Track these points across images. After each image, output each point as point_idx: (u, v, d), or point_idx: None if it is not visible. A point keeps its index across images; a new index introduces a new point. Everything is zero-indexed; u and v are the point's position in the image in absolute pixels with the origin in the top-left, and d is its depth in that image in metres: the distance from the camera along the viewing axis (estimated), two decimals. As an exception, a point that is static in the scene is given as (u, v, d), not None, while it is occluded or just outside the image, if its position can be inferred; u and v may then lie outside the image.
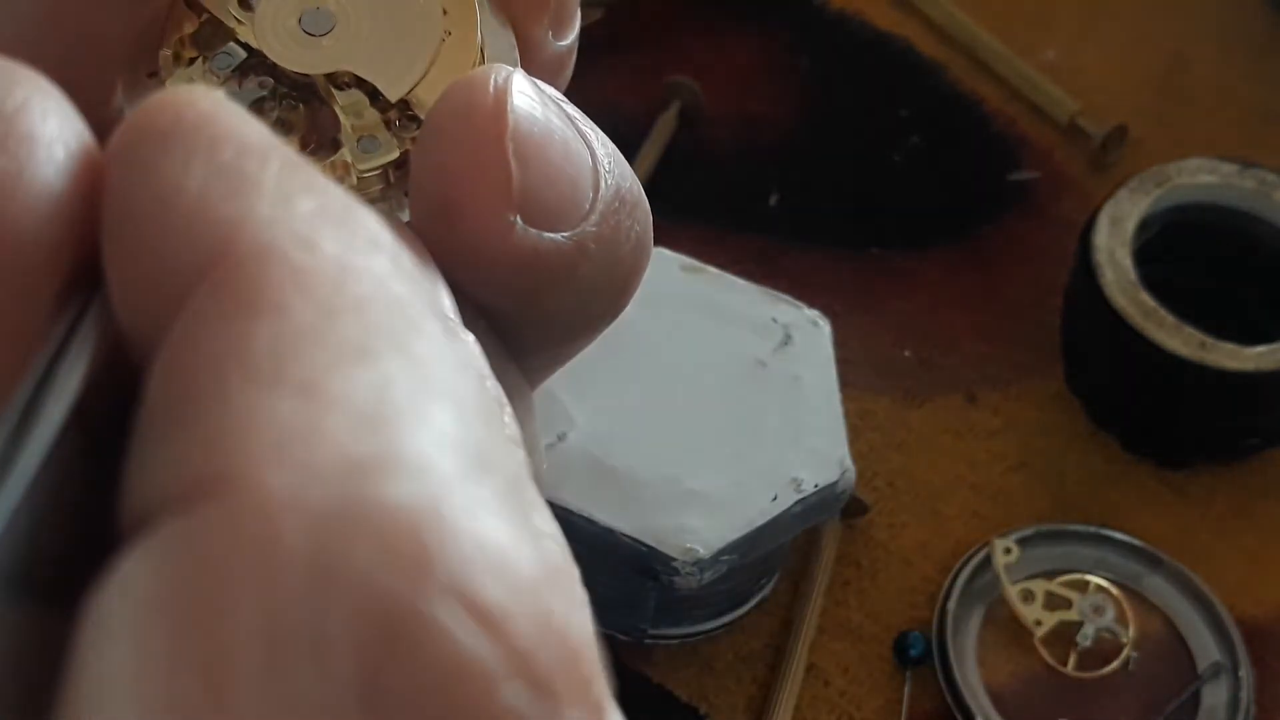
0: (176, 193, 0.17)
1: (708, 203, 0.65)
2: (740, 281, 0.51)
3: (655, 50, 0.70)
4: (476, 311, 0.25)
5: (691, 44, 0.70)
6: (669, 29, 0.71)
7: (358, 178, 0.25)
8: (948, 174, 0.67)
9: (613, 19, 0.70)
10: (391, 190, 0.25)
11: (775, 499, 0.46)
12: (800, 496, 0.47)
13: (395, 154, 0.25)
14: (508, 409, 0.21)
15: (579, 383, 0.47)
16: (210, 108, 0.18)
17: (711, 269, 0.51)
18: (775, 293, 0.51)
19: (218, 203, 0.17)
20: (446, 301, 0.22)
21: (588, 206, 0.25)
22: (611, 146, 0.26)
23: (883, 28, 0.72)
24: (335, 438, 0.15)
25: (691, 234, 0.63)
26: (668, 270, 0.51)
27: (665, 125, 0.66)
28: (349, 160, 0.25)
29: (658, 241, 0.54)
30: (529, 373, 0.28)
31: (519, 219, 0.23)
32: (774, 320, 0.50)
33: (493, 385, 0.21)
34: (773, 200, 0.65)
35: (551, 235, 0.24)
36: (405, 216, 0.25)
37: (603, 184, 0.25)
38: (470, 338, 0.22)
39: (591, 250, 0.25)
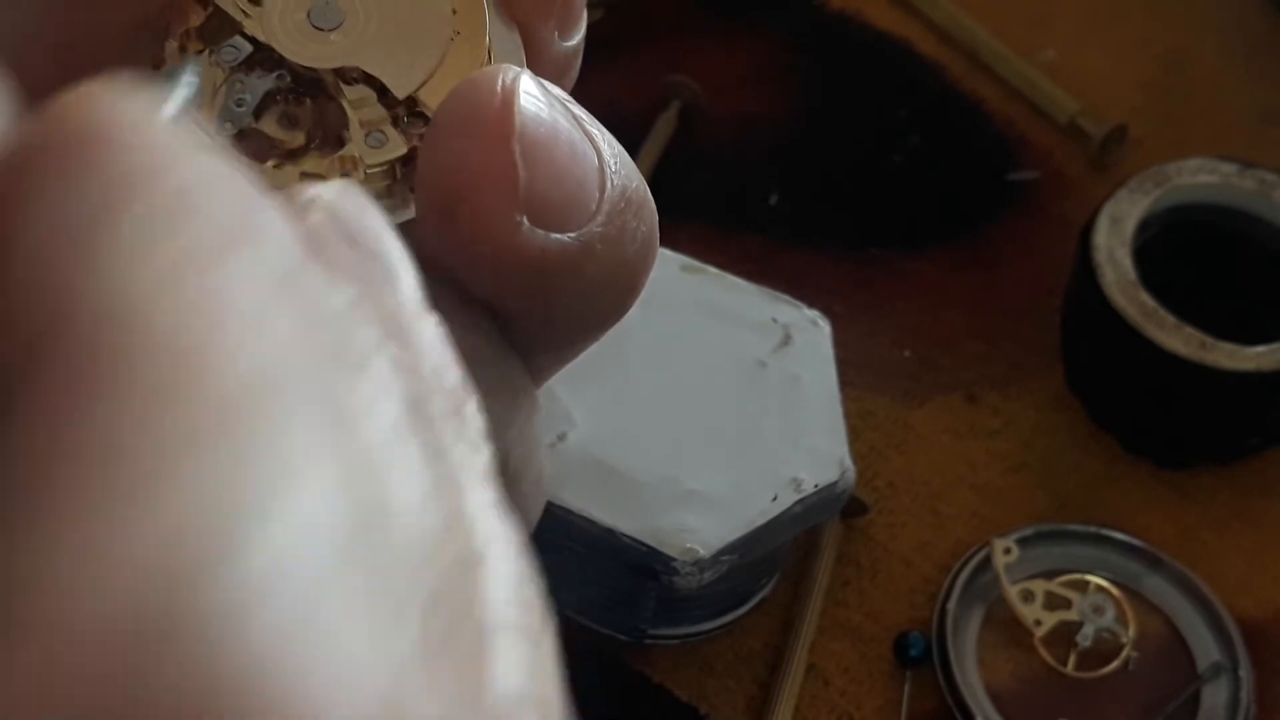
0: (14, 245, 0.14)
1: (708, 203, 0.65)
2: (740, 281, 0.51)
3: (655, 50, 0.70)
4: (483, 309, 0.25)
5: (691, 44, 0.70)
6: (669, 29, 0.71)
7: (365, 172, 0.25)
8: (948, 174, 0.67)
9: (613, 19, 0.70)
10: (397, 186, 0.25)
11: (775, 499, 0.46)
12: (800, 496, 0.47)
13: (403, 150, 0.25)
14: (471, 403, 0.19)
15: (579, 383, 0.47)
16: (104, 115, 0.15)
17: (711, 269, 0.51)
18: (775, 293, 0.51)
19: (61, 257, 0.14)
20: (398, 297, 0.19)
21: (594, 207, 0.24)
22: (618, 146, 0.26)
23: (883, 28, 0.72)
24: (143, 554, 0.13)
25: (691, 234, 0.63)
26: (668, 270, 0.51)
27: (665, 125, 0.66)
28: (356, 155, 0.25)
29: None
30: (535, 370, 0.28)
31: (525, 219, 0.23)
32: (774, 320, 0.50)
33: (452, 382, 0.19)
34: (773, 200, 0.65)
35: (558, 236, 0.24)
36: (411, 213, 0.25)
37: (609, 184, 0.25)
38: (429, 327, 0.19)
39: (598, 250, 0.24)
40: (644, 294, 0.53)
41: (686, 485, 0.46)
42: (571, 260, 0.24)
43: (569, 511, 0.45)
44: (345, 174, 0.25)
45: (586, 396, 0.47)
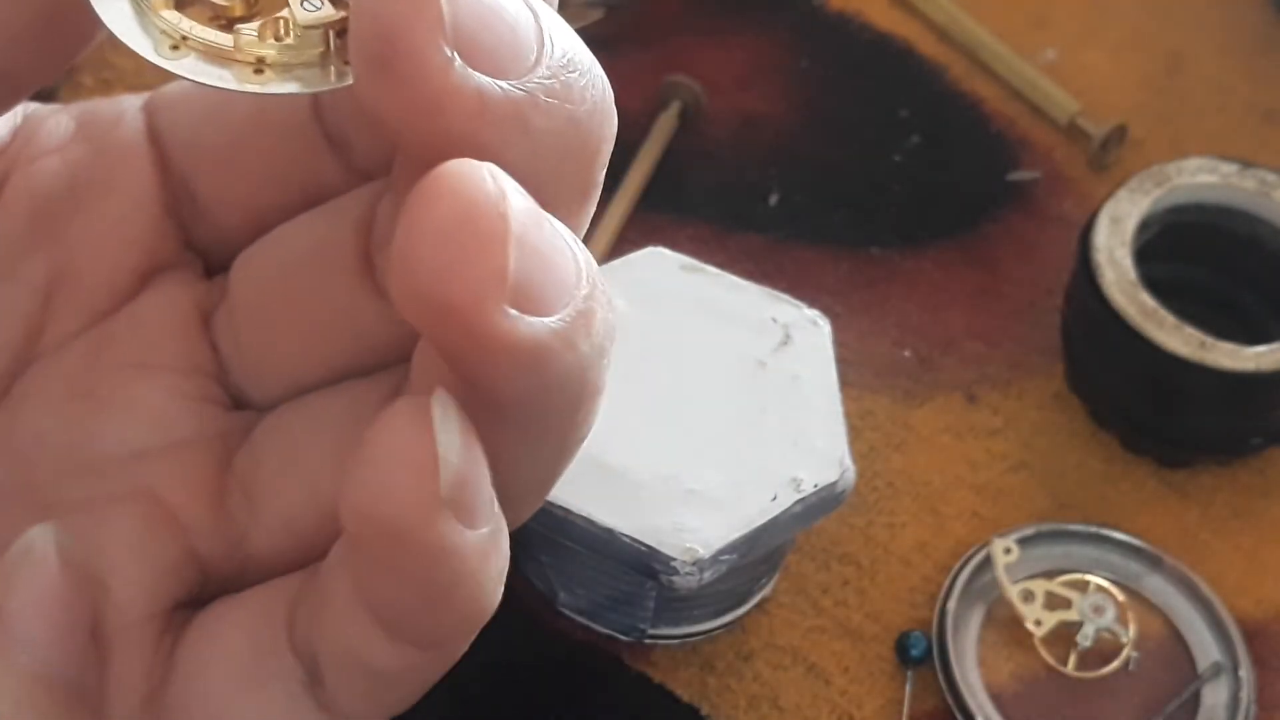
0: None
1: (707, 202, 0.65)
2: (740, 281, 0.51)
3: (655, 50, 0.70)
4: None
5: (691, 44, 0.70)
6: (669, 29, 0.71)
7: (295, 36, 0.26)
8: (948, 174, 0.67)
9: (613, 19, 0.70)
10: (331, 57, 0.26)
11: (775, 499, 0.46)
12: (800, 496, 0.47)
13: (337, 15, 0.26)
14: None
15: (579, 383, 0.47)
16: None
17: (711, 269, 0.51)
18: (775, 293, 0.51)
19: None
20: None
21: (533, 58, 0.25)
22: (561, 21, 0.27)
23: (883, 28, 0.72)
24: None
25: (691, 233, 0.63)
26: (667, 270, 0.51)
27: (665, 125, 0.66)
28: (289, 17, 0.26)
29: (657, 241, 0.54)
30: None
31: (457, 57, 0.24)
32: (774, 320, 0.50)
33: None
34: (773, 200, 0.65)
35: (498, 83, 0.24)
36: (349, 80, 0.26)
37: (548, 40, 0.26)
38: None
39: (544, 103, 0.25)
40: (644, 294, 0.53)
41: (686, 485, 0.46)
42: (516, 109, 0.24)
43: (568, 511, 0.45)
44: (278, 36, 0.25)
45: (586, 396, 0.47)
